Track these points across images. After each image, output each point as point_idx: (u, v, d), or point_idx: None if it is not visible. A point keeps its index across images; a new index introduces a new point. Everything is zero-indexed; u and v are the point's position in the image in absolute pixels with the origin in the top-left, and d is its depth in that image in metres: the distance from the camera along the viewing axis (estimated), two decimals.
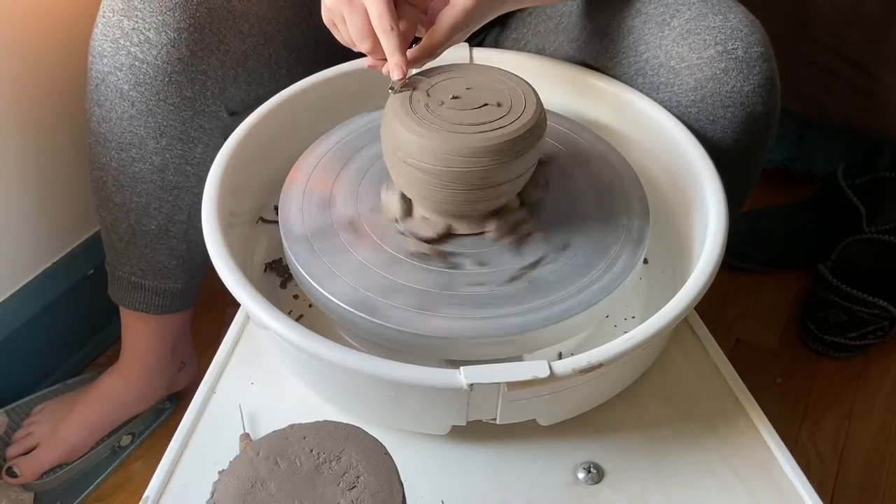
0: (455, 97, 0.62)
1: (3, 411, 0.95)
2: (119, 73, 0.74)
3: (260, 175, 0.76)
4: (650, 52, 0.74)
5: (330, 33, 0.67)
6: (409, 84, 0.63)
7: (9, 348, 0.96)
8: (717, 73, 0.71)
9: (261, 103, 0.76)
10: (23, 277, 0.97)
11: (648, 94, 0.75)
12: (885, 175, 1.20)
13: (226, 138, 0.72)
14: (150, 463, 0.97)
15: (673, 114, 0.74)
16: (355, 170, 0.71)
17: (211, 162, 0.69)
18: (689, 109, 0.73)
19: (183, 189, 0.80)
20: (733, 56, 0.70)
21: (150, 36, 0.72)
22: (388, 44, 0.61)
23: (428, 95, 0.63)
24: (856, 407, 1.08)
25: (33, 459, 0.91)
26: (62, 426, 0.93)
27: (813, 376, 1.11)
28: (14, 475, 0.90)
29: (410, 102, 0.62)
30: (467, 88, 0.63)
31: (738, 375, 0.68)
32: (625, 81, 0.77)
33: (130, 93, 0.74)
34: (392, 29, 0.60)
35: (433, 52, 0.63)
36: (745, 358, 1.12)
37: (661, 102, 0.74)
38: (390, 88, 0.63)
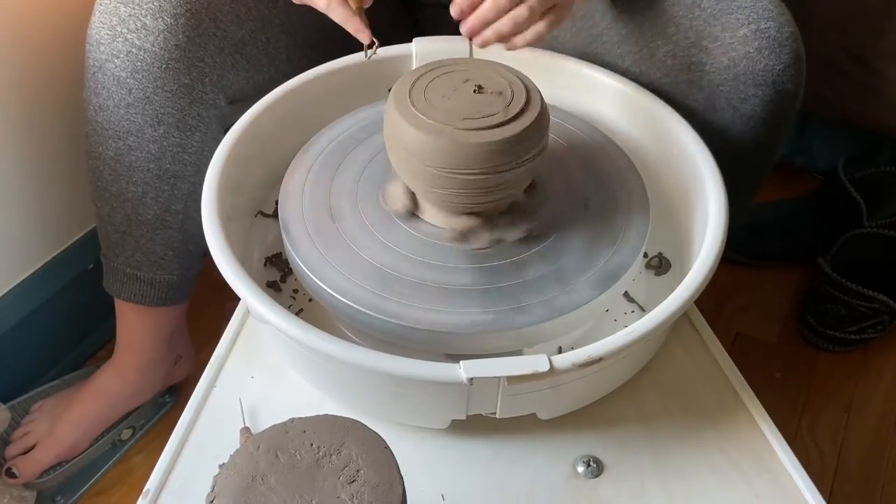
0: (457, 92, 0.62)
1: (5, 407, 0.95)
2: (116, 61, 0.73)
3: (260, 169, 0.76)
4: (680, 34, 0.74)
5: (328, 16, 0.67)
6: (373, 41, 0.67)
7: (9, 343, 0.96)
8: (751, 51, 0.71)
9: (260, 91, 0.76)
10: (23, 272, 0.97)
11: (678, 75, 0.75)
12: (886, 170, 1.20)
13: (223, 127, 0.72)
14: (150, 456, 0.97)
15: (704, 93, 0.74)
16: (356, 164, 0.71)
17: (208, 151, 0.69)
18: (721, 88, 0.73)
19: (180, 178, 0.80)
20: (766, 35, 0.71)
21: (147, 22, 0.72)
22: (338, 16, 0.66)
23: (430, 91, 0.62)
24: (855, 401, 1.08)
25: (32, 459, 0.91)
26: (60, 424, 0.92)
27: (812, 370, 1.11)
28: (13, 475, 0.90)
29: (411, 97, 0.62)
30: (469, 82, 0.63)
31: (737, 369, 0.69)
32: (652, 64, 0.77)
33: (128, 80, 0.74)
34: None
35: None
36: (744, 352, 1.13)
37: (692, 82, 0.74)
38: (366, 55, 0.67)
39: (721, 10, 0.73)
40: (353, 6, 0.66)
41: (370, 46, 0.66)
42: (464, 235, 0.65)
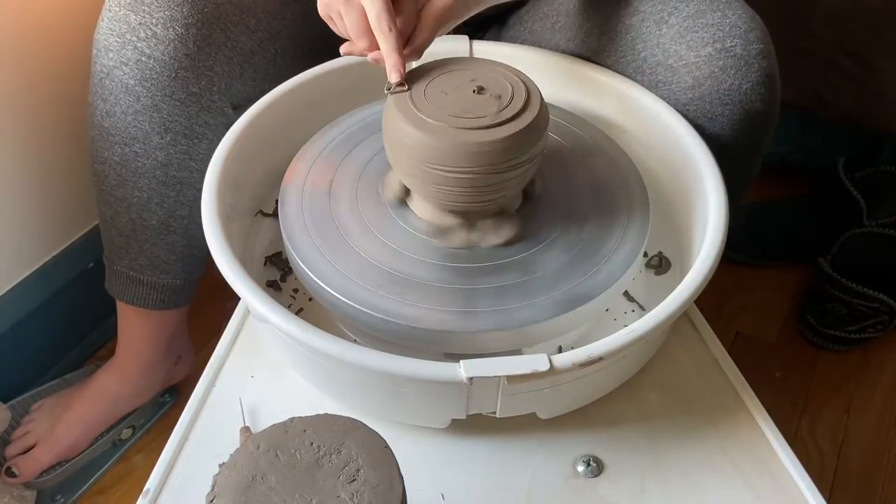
0: (456, 91, 0.62)
1: (5, 407, 0.95)
2: (125, 68, 0.73)
3: (260, 168, 0.76)
4: (648, 51, 0.74)
5: None
6: (405, 83, 0.63)
7: (9, 343, 0.96)
8: (716, 71, 0.70)
9: None
10: (23, 271, 0.97)
11: None
12: (886, 169, 1.20)
13: None
14: (150, 456, 0.97)
15: None
16: (355, 163, 0.71)
17: None
18: (687, 107, 0.73)
19: (186, 184, 0.80)
20: (731, 54, 0.70)
21: (158, 31, 0.72)
22: (386, 45, 0.60)
23: (430, 89, 0.62)
24: (855, 400, 1.08)
25: (32, 459, 0.91)
26: (59, 424, 0.93)
27: (812, 370, 1.11)
28: (13, 475, 0.90)
29: (411, 96, 0.62)
30: (469, 81, 0.63)
31: (737, 369, 0.69)
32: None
33: (136, 88, 0.74)
34: (390, 30, 0.59)
35: (419, 51, 0.63)
36: (744, 352, 1.13)
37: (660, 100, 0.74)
38: (386, 89, 0.63)
39: (687, 28, 0.72)
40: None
41: (399, 85, 0.62)
42: (441, 232, 0.65)
